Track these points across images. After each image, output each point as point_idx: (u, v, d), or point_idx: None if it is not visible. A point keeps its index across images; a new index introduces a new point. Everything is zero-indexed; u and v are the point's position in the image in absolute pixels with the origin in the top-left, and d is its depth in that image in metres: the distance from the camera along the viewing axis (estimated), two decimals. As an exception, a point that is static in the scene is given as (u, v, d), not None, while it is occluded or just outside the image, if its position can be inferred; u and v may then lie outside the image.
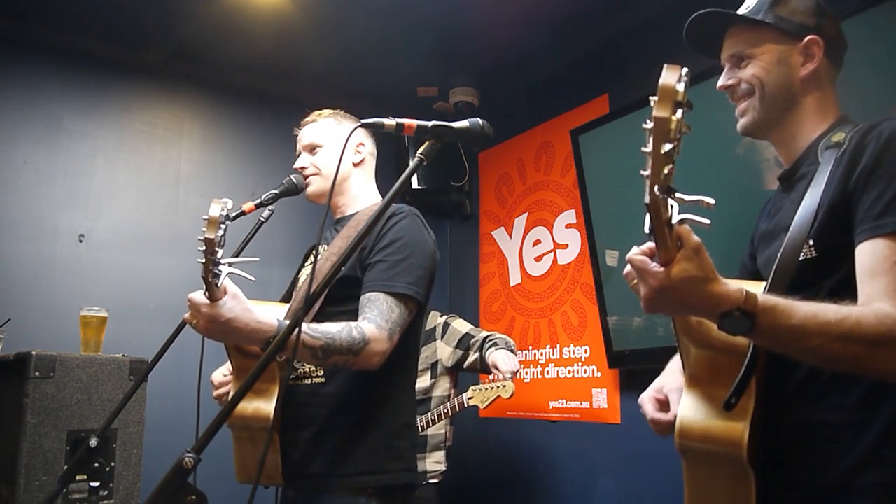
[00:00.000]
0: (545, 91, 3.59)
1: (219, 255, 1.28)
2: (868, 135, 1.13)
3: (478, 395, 2.80)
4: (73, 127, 3.11)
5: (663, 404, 1.31)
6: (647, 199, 0.84)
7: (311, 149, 1.86)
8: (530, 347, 3.45)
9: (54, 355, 2.13)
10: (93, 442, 1.44)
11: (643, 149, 0.83)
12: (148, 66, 3.32)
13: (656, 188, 0.83)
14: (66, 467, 2.01)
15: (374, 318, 1.53)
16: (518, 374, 2.81)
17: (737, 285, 0.98)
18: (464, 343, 3.01)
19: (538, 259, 3.48)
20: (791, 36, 1.25)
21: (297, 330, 1.21)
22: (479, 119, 1.33)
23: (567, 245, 3.31)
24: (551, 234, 3.41)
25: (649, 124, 0.81)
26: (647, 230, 0.91)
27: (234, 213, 1.86)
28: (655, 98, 0.82)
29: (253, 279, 1.58)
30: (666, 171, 0.82)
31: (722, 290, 0.96)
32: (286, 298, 1.94)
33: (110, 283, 3.05)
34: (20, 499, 1.99)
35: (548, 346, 3.35)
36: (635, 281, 0.99)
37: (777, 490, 1.13)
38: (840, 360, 1.00)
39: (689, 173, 2.57)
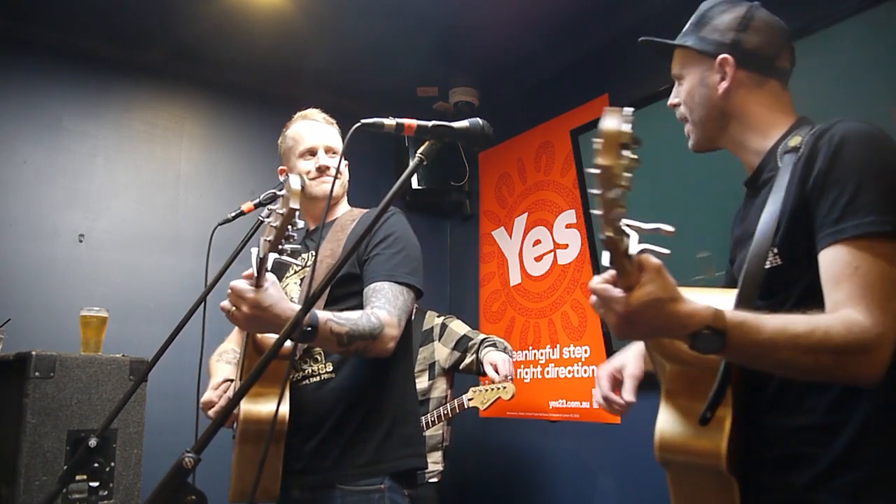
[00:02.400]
0: (545, 91, 3.59)
1: (291, 230, 1.29)
2: (821, 139, 1.12)
3: (478, 397, 2.80)
4: (73, 127, 3.10)
5: (617, 384, 1.36)
6: (603, 237, 0.86)
7: (329, 151, 1.88)
8: (530, 347, 3.45)
9: (54, 355, 2.13)
10: (93, 442, 1.44)
11: (591, 191, 0.84)
12: (148, 66, 3.32)
13: (609, 231, 0.85)
14: (66, 467, 2.01)
15: (384, 306, 1.59)
16: (509, 378, 2.81)
17: (704, 303, 0.98)
18: (461, 345, 3.01)
19: (538, 259, 3.48)
20: (709, 56, 1.28)
21: (297, 327, 1.20)
22: (479, 119, 1.33)
23: (567, 245, 3.31)
24: (551, 234, 3.41)
25: (595, 171, 0.82)
26: (605, 263, 0.93)
27: (233, 214, 1.88)
28: (598, 142, 0.82)
29: (300, 264, 1.61)
30: (614, 214, 0.83)
31: (689, 308, 0.96)
32: None
33: (110, 283, 3.04)
34: (20, 499, 1.99)
35: (548, 346, 3.35)
36: (602, 310, 1.00)
37: (757, 494, 1.14)
38: (812, 371, 1.01)
39: (689, 173, 2.57)
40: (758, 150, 1.28)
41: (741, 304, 1.10)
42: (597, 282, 0.98)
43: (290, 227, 1.29)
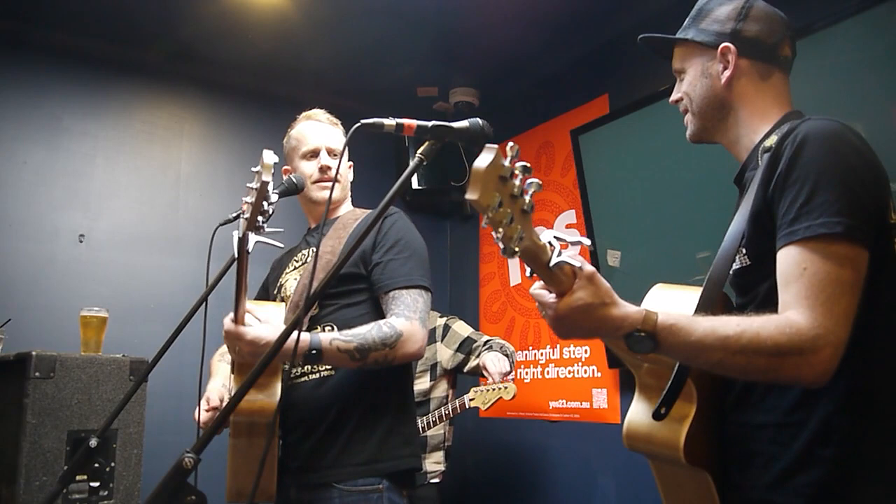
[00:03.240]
0: (545, 91, 3.59)
1: (266, 206, 1.27)
2: (786, 139, 1.13)
3: (479, 397, 2.80)
4: (73, 127, 3.10)
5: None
6: (510, 257, 0.93)
7: (332, 152, 1.88)
8: (530, 347, 3.45)
9: (54, 355, 2.13)
10: (93, 442, 1.44)
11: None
12: (148, 66, 3.32)
13: (501, 251, 0.92)
14: (66, 467, 2.01)
15: (402, 312, 1.62)
16: (510, 376, 2.81)
17: (639, 307, 1.04)
18: (465, 347, 3.02)
19: (538, 259, 3.47)
20: (710, 46, 1.29)
21: (297, 331, 1.20)
22: (479, 119, 1.33)
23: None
24: (551, 234, 3.41)
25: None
26: (527, 275, 1.00)
27: (234, 214, 1.87)
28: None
29: (282, 246, 1.62)
30: (499, 234, 0.89)
31: (620, 312, 1.02)
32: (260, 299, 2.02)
33: (110, 283, 3.04)
34: (20, 499, 1.99)
35: (548, 346, 3.35)
36: (543, 313, 1.06)
37: (729, 491, 1.16)
38: (749, 372, 1.03)
39: (689, 173, 2.57)
40: (747, 147, 1.29)
41: (703, 304, 1.13)
42: (535, 287, 1.06)
43: (265, 202, 1.26)
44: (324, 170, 1.85)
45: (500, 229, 0.89)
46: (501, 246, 0.91)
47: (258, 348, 1.45)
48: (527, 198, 0.90)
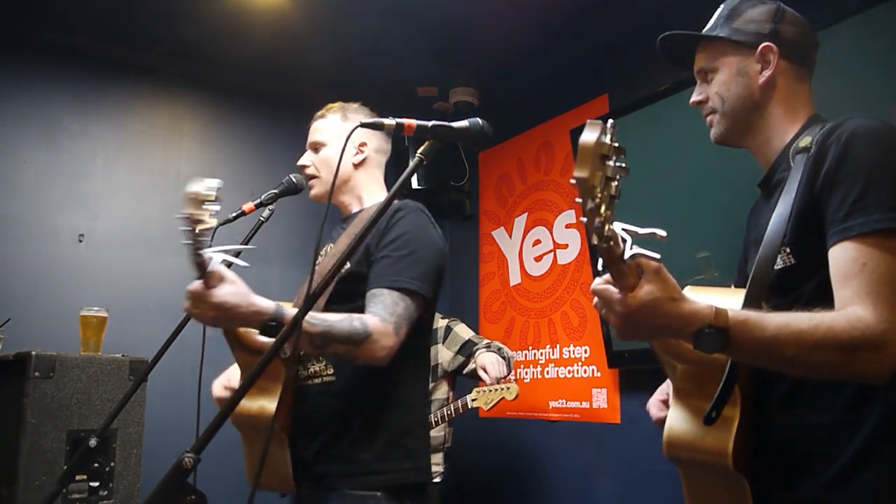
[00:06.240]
0: (545, 91, 3.59)
1: (200, 230, 1.21)
2: (830, 136, 1.13)
3: (482, 397, 2.80)
4: (73, 127, 3.11)
5: (667, 404, 1.35)
6: (594, 242, 0.87)
7: (315, 147, 1.83)
8: (530, 347, 3.45)
9: (54, 355, 2.13)
10: (92, 442, 1.44)
11: (577, 200, 0.85)
12: (148, 66, 3.32)
13: (594, 239, 0.86)
14: (65, 467, 2.01)
15: (379, 312, 1.51)
16: (502, 379, 2.81)
17: (706, 302, 0.98)
18: (466, 350, 3.02)
19: (538, 259, 3.48)
20: (747, 46, 1.28)
21: (298, 328, 1.20)
22: (478, 119, 1.33)
23: (567, 245, 3.31)
24: (551, 234, 3.41)
25: (573, 182, 0.83)
26: (599, 267, 0.94)
27: (233, 214, 1.87)
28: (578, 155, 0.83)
29: (247, 265, 1.54)
30: (597, 223, 0.84)
31: (690, 307, 0.97)
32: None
33: (110, 283, 3.04)
34: (20, 499, 1.99)
35: (547, 346, 3.35)
36: (604, 310, 1.00)
37: (773, 494, 1.13)
38: (818, 368, 1.01)
39: (689, 173, 2.57)
40: (776, 149, 1.28)
41: (749, 304, 1.10)
42: (598, 283, 0.99)
43: (202, 234, 1.21)
44: (301, 167, 1.83)
45: (602, 213, 0.82)
46: (596, 237, 0.85)
47: (220, 312, 1.32)
48: (615, 183, 0.83)
